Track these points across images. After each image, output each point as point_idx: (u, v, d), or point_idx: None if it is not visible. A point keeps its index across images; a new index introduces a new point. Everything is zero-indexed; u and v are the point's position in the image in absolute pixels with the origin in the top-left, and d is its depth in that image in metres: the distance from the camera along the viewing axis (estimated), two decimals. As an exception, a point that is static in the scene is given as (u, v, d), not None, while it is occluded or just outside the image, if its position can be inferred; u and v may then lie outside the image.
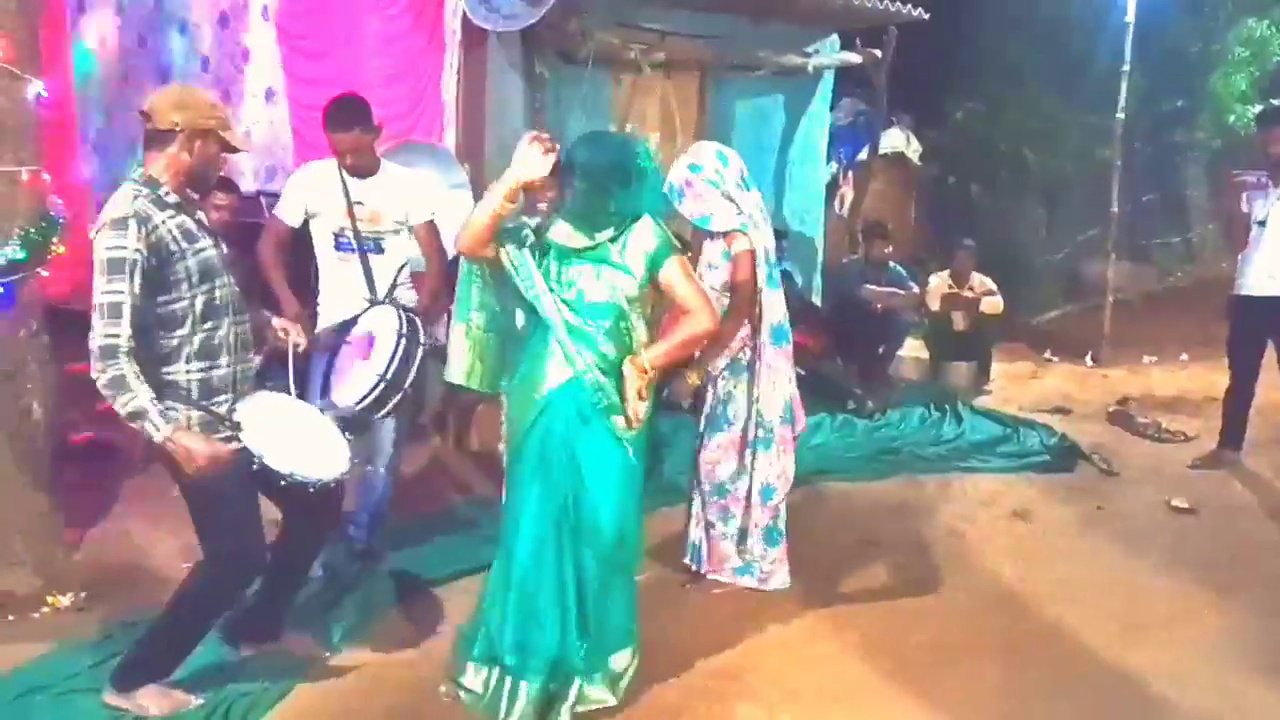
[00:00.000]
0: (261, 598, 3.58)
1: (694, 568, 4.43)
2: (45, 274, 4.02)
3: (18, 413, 4.01)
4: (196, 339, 3.14)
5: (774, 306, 4.23)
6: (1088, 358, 9.12)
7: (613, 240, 3.27)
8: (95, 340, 2.94)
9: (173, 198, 3.12)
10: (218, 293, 3.19)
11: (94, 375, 2.95)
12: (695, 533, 4.43)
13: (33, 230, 3.91)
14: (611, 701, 3.41)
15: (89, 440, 5.30)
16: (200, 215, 3.25)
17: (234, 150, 3.27)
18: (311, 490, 3.17)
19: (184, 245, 3.09)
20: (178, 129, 3.10)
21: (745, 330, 4.22)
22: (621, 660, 3.46)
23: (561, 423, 3.29)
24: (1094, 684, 3.74)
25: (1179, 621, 4.22)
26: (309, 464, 3.18)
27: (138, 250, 2.96)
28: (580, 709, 3.36)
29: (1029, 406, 7.46)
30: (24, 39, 3.90)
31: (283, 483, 3.10)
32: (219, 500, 3.17)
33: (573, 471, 3.30)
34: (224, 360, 3.21)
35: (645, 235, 3.29)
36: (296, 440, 3.22)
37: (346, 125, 4.04)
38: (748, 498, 4.28)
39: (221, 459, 3.04)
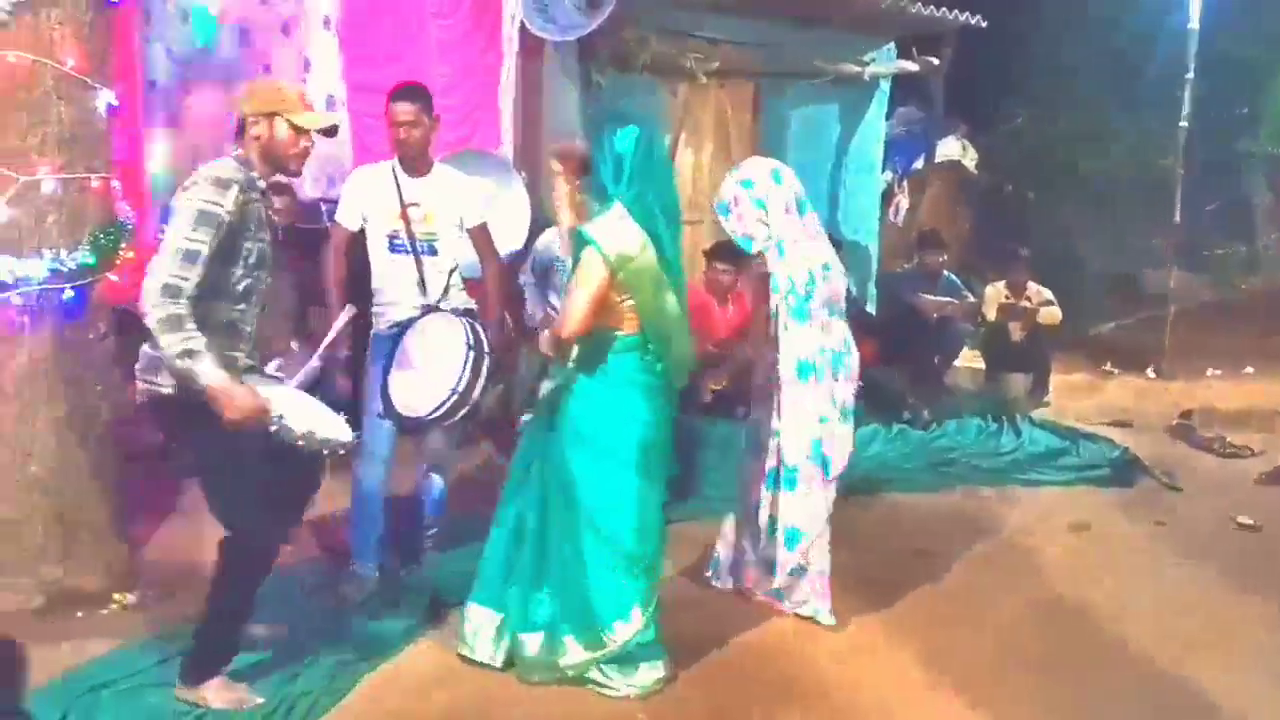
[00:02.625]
0: None
1: (715, 584, 4.41)
2: (114, 278, 4.09)
3: (86, 414, 4.09)
4: (231, 316, 3.26)
5: (801, 341, 4.00)
6: (1149, 369, 8.99)
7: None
8: (158, 279, 2.99)
9: (261, 183, 3.32)
10: (261, 284, 3.34)
11: (147, 311, 2.99)
12: (721, 548, 4.40)
13: (102, 236, 4.00)
14: (598, 672, 3.56)
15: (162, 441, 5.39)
16: (271, 208, 3.47)
17: (305, 130, 3.34)
18: (325, 454, 3.31)
19: (254, 229, 3.25)
20: (248, 117, 3.30)
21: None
22: (622, 630, 3.53)
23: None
24: (1154, 701, 3.69)
25: (1242, 639, 4.15)
26: (322, 428, 3.28)
27: (230, 213, 3.11)
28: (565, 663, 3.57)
29: (1088, 419, 7.36)
30: (97, 50, 3.99)
31: (299, 442, 3.19)
32: (238, 474, 3.25)
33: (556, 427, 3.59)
34: (243, 346, 3.33)
35: (601, 222, 3.44)
36: (305, 409, 3.35)
37: (410, 97, 4.11)
38: (772, 535, 4.15)
39: (260, 410, 3.10)
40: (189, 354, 2.99)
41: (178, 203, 3.12)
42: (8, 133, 3.87)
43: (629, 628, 3.55)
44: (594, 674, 3.61)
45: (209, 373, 3.02)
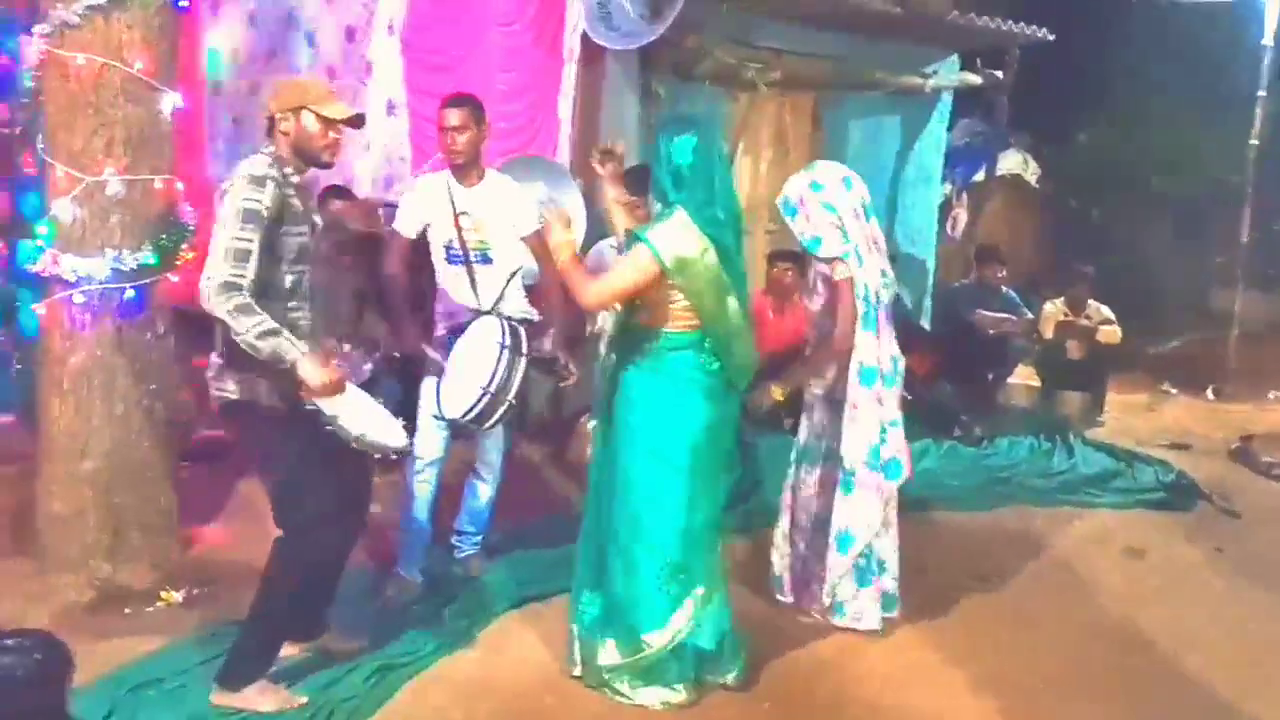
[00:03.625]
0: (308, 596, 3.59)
1: (779, 597, 4.38)
2: (174, 279, 4.15)
3: (141, 413, 4.16)
4: (284, 316, 3.25)
5: (866, 347, 4.07)
6: (1209, 391, 8.82)
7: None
8: (215, 279, 3.04)
9: (295, 177, 3.33)
10: (306, 277, 3.36)
11: (213, 307, 3.05)
12: (779, 562, 4.39)
13: (164, 236, 4.06)
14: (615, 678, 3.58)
15: (210, 439, 5.47)
16: (309, 203, 3.44)
17: (333, 121, 3.34)
18: (377, 457, 3.35)
19: (293, 223, 3.28)
20: (275, 115, 3.31)
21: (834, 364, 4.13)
22: (657, 638, 3.54)
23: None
24: (1209, 731, 3.61)
25: (1301, 671, 4.04)
26: (377, 431, 3.30)
27: (268, 208, 3.14)
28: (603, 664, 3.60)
29: (1145, 440, 7.22)
30: (164, 53, 4.06)
31: (353, 444, 3.23)
32: (301, 477, 3.30)
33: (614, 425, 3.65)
34: (303, 343, 3.30)
35: (661, 227, 3.44)
36: (361, 410, 3.35)
37: (459, 104, 4.14)
38: (828, 539, 4.17)
39: (341, 383, 3.18)
40: (268, 333, 3.06)
41: (221, 206, 3.17)
42: (75, 133, 3.94)
43: (665, 634, 3.56)
44: (618, 683, 3.61)
45: (292, 347, 3.09)
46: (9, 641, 2.81)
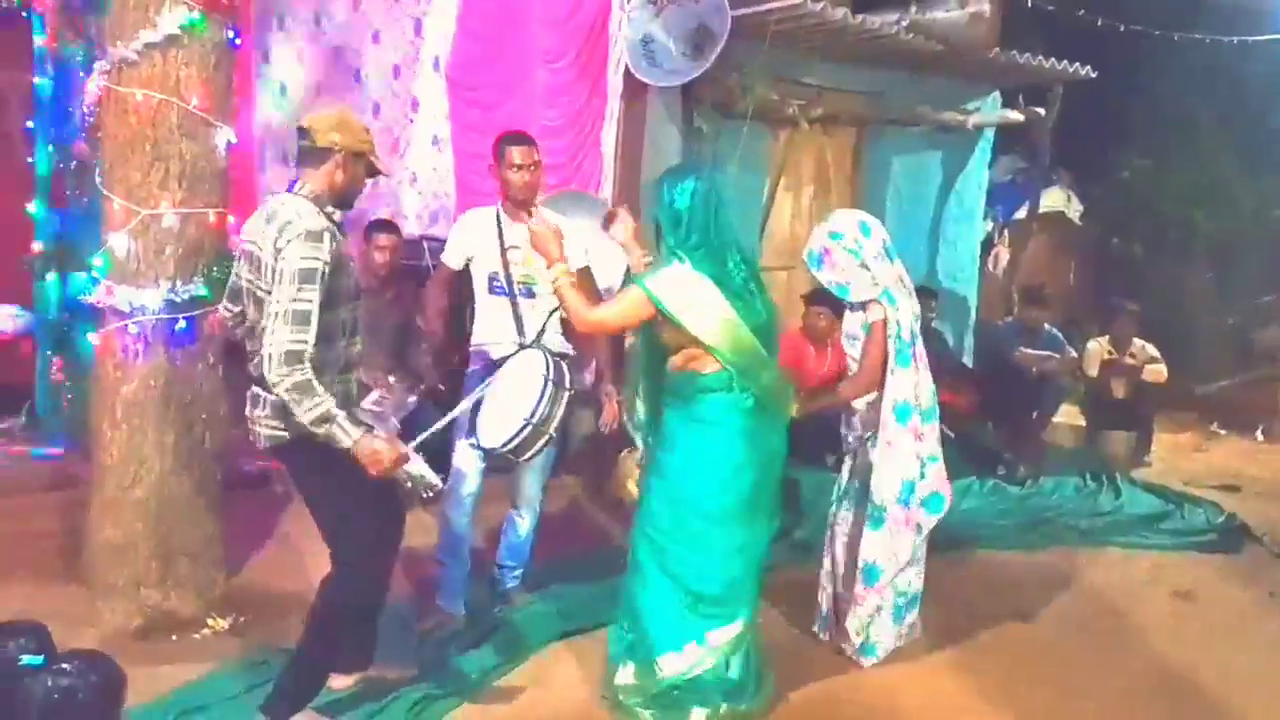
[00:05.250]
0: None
1: (822, 637, 4.37)
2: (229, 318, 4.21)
3: (191, 442, 4.21)
4: (342, 353, 3.28)
5: (901, 384, 4.10)
6: (1258, 432, 8.69)
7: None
8: (279, 346, 3.00)
9: (339, 216, 3.31)
10: (356, 312, 3.36)
11: (273, 379, 3.00)
12: (824, 601, 4.39)
13: (216, 269, 4.12)
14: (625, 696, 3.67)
15: (259, 469, 5.53)
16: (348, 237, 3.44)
17: (378, 174, 3.40)
18: (425, 495, 3.39)
19: (346, 267, 3.26)
20: (335, 149, 3.25)
21: (878, 399, 4.15)
22: (670, 663, 3.61)
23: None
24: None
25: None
26: (415, 466, 3.30)
27: (326, 263, 3.09)
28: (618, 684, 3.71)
29: (1193, 481, 7.12)
30: (219, 88, 4.14)
31: (408, 484, 3.27)
32: (354, 510, 3.31)
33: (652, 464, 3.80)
34: (354, 375, 3.38)
35: (659, 275, 3.54)
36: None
37: (524, 141, 4.21)
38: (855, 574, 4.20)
39: (403, 459, 3.16)
40: (325, 419, 3.03)
41: (275, 263, 3.09)
42: (132, 167, 4.02)
43: (680, 661, 3.60)
44: (633, 706, 3.66)
45: (348, 434, 3.06)
46: (68, 665, 2.87)
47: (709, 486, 3.57)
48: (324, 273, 3.08)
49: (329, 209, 3.27)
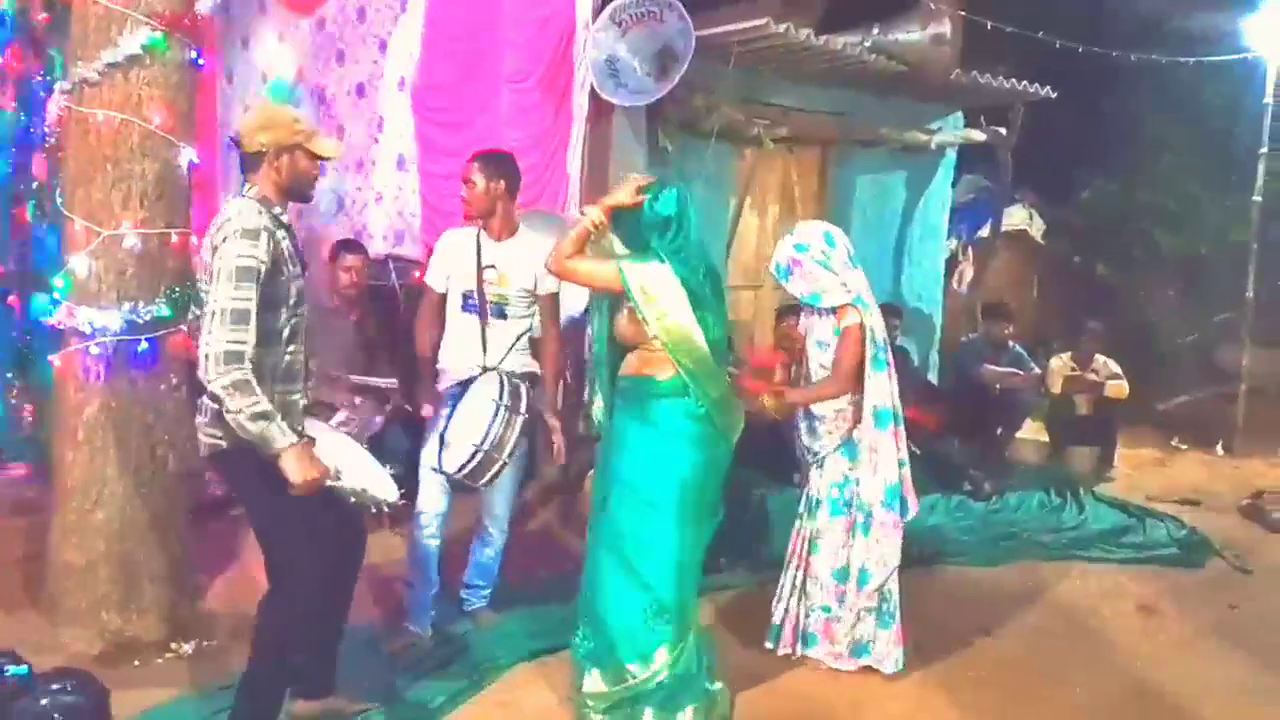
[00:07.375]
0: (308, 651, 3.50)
1: (772, 647, 4.38)
2: (187, 330, 4.17)
3: (154, 464, 4.17)
4: (284, 360, 3.21)
5: (879, 389, 4.15)
6: (1219, 447, 8.79)
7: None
8: (215, 345, 2.93)
9: (286, 218, 3.26)
10: (301, 320, 3.28)
11: (209, 378, 2.94)
12: (778, 611, 4.41)
13: (178, 289, 4.09)
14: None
15: (226, 491, 5.46)
16: (297, 240, 3.35)
17: (323, 158, 3.33)
18: (373, 511, 3.31)
19: (290, 267, 3.20)
20: (264, 149, 3.22)
21: (846, 407, 4.20)
22: (641, 671, 3.63)
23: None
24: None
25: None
26: (373, 484, 3.26)
27: (263, 262, 3.04)
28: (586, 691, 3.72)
29: (1155, 496, 7.18)
30: (182, 109, 4.13)
31: (352, 500, 3.18)
32: (291, 524, 3.21)
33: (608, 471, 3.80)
34: (298, 387, 3.29)
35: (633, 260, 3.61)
36: (355, 463, 3.33)
37: (474, 156, 4.26)
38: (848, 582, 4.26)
39: (324, 477, 3.06)
40: (261, 416, 2.96)
41: (214, 263, 3.05)
42: (93, 187, 4.00)
43: (648, 668, 3.64)
44: (598, 713, 3.68)
45: (282, 437, 2.99)
46: (55, 685, 2.86)
47: (666, 486, 3.63)
48: (260, 272, 3.03)
49: (276, 210, 3.22)
